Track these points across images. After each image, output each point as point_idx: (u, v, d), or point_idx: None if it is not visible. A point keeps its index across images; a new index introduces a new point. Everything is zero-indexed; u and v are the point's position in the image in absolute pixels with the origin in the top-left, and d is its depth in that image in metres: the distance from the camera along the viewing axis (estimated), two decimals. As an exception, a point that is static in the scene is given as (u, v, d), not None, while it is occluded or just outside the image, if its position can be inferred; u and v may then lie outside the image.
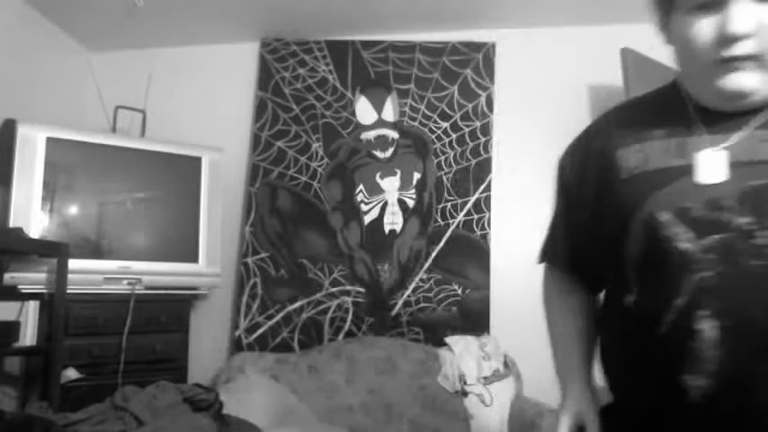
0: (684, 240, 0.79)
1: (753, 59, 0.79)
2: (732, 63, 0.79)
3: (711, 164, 0.81)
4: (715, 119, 0.84)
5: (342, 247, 2.93)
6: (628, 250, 0.86)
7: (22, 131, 2.41)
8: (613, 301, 0.92)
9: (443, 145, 2.97)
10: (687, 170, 0.82)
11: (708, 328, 0.76)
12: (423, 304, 2.85)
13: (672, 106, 0.89)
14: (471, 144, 2.94)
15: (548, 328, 1.10)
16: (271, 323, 2.87)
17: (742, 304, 0.75)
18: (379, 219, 2.95)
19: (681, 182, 0.82)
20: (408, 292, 2.87)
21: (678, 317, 0.78)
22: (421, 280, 2.87)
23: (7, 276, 2.27)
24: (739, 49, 0.78)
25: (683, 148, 0.84)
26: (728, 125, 0.82)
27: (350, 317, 2.86)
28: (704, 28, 0.80)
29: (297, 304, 2.88)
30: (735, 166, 0.80)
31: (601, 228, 0.92)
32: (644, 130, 0.89)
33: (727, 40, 0.78)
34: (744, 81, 0.80)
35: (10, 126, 2.44)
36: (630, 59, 2.49)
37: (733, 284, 0.76)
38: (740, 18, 0.77)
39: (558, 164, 1.04)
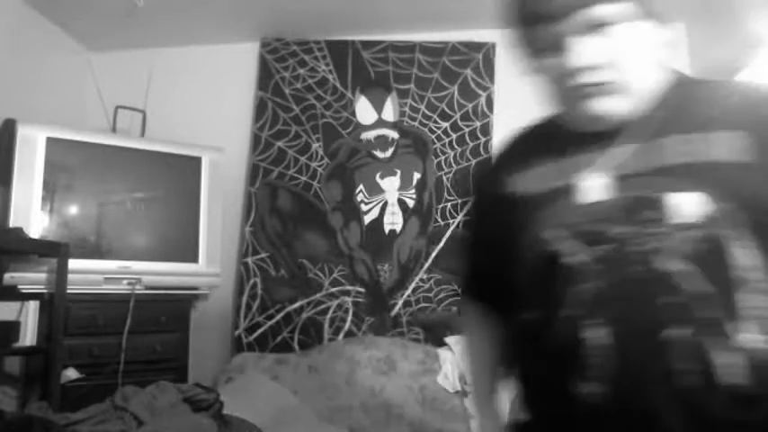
0: (573, 254, 0.84)
1: (603, 84, 0.86)
2: (586, 90, 0.86)
3: (592, 182, 0.88)
4: (591, 139, 0.90)
5: (342, 247, 2.93)
6: (523, 269, 0.91)
7: (22, 131, 2.41)
8: (515, 320, 0.96)
9: (443, 145, 2.97)
10: (572, 189, 0.89)
11: (599, 335, 0.80)
12: (423, 304, 2.85)
13: (554, 132, 0.96)
14: (471, 144, 2.94)
15: (466, 358, 1.16)
16: (271, 323, 2.87)
17: (627, 310, 0.79)
18: (379, 219, 2.95)
19: (567, 200, 0.88)
20: (408, 292, 2.87)
21: (570, 327, 0.82)
22: (421, 280, 2.87)
23: (7, 276, 2.27)
24: (588, 78, 0.85)
25: (567, 169, 0.91)
26: (603, 143, 0.89)
27: (350, 317, 2.86)
28: (559, 64, 0.87)
29: (297, 304, 2.88)
30: (613, 180, 0.86)
31: (501, 253, 0.97)
32: (532, 157, 0.96)
33: (576, 71, 0.85)
34: (601, 105, 0.87)
35: (10, 126, 2.45)
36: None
37: (619, 292, 0.80)
38: (582, 52, 0.85)
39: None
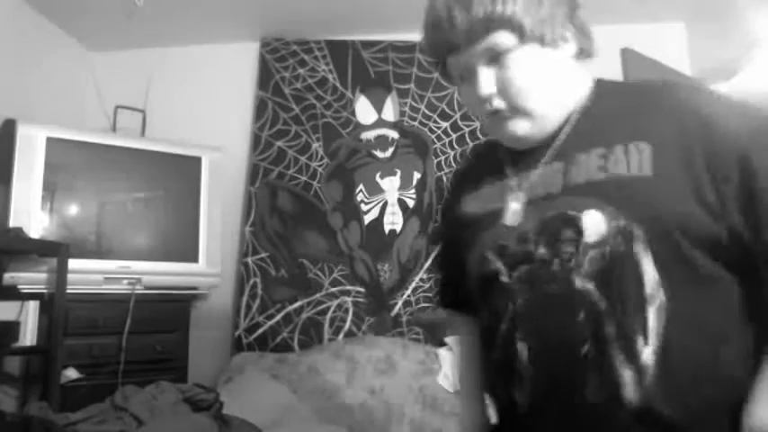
0: (504, 274, 0.89)
1: (506, 111, 0.89)
2: (497, 116, 0.90)
3: (514, 204, 0.92)
4: (519, 158, 0.95)
5: (342, 247, 2.93)
6: (473, 286, 0.97)
7: (22, 131, 2.41)
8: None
9: (443, 145, 2.97)
10: (502, 211, 0.93)
11: (522, 349, 0.85)
12: (423, 304, 2.85)
13: (495, 153, 1.00)
14: (471, 144, 2.94)
15: (455, 357, 1.24)
16: (271, 323, 2.87)
17: (542, 326, 0.84)
18: (379, 219, 2.95)
19: (499, 222, 0.92)
20: (408, 292, 2.87)
21: (504, 341, 0.88)
22: (421, 280, 2.87)
23: (7, 276, 2.27)
24: (495, 104, 0.89)
25: (502, 190, 0.95)
26: (528, 163, 0.93)
27: (350, 317, 2.87)
28: (471, 92, 0.91)
29: (297, 304, 2.88)
30: (532, 202, 0.89)
31: (461, 269, 1.01)
32: (479, 178, 1.01)
33: (483, 99, 0.89)
34: (514, 128, 0.90)
35: (10, 126, 2.45)
36: (630, 59, 2.49)
37: (536, 309, 0.85)
38: (483, 82, 0.88)
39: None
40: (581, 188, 0.85)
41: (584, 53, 0.95)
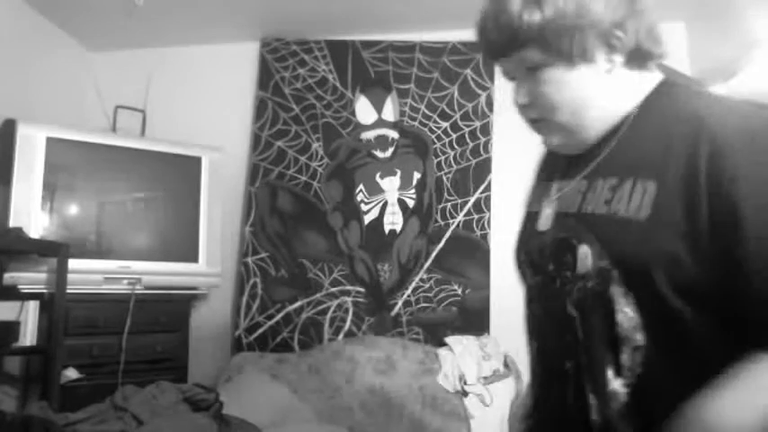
0: (530, 277, 0.97)
1: (536, 122, 0.92)
2: (534, 124, 0.93)
3: (545, 212, 0.96)
4: (571, 164, 0.95)
5: (342, 247, 2.93)
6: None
7: (22, 131, 2.41)
8: None
9: (443, 145, 2.97)
10: (538, 215, 0.98)
11: (533, 345, 0.97)
12: (423, 304, 2.85)
13: (554, 153, 1.00)
14: (471, 144, 2.94)
15: None
16: (271, 323, 2.87)
17: (543, 336, 0.95)
18: (379, 219, 2.95)
19: (534, 225, 0.97)
20: (408, 292, 2.87)
21: (527, 340, 0.99)
22: (421, 280, 2.87)
23: (7, 276, 2.27)
24: (527, 115, 0.93)
25: (543, 193, 0.99)
26: (574, 172, 0.94)
27: (350, 317, 2.87)
28: (514, 96, 0.94)
29: (297, 304, 2.88)
30: (557, 216, 0.93)
31: None
32: (541, 170, 1.07)
33: (520, 107, 0.93)
34: (549, 139, 0.94)
35: (10, 126, 2.44)
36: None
37: (541, 318, 0.94)
38: (518, 93, 0.91)
39: None
40: (586, 218, 0.87)
41: (639, 58, 0.90)
